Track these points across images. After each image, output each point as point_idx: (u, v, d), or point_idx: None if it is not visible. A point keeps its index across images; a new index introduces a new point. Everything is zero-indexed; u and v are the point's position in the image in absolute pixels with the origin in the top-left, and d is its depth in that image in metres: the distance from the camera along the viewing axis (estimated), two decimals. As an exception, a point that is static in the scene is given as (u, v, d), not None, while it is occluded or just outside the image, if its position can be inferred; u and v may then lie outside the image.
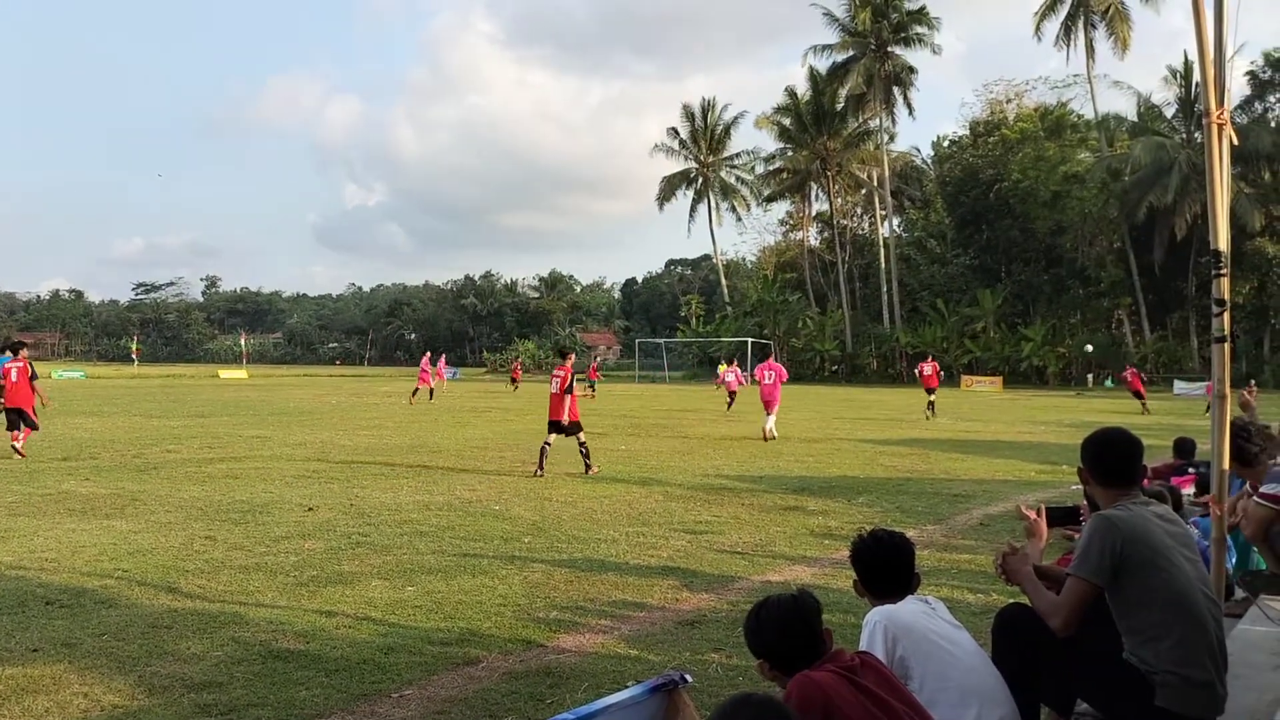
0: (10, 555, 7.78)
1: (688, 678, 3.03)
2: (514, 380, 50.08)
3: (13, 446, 14.99)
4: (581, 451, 13.83)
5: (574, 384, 13.90)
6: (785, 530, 9.32)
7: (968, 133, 72.18)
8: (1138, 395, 32.50)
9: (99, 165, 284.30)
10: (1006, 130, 66.38)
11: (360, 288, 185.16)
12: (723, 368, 41.18)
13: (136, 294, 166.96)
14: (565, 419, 13.66)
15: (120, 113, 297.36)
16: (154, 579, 7.01)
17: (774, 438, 19.44)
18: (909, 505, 11.02)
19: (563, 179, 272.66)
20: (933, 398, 28.17)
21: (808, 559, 7.93)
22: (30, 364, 15.88)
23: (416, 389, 35.26)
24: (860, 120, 71.42)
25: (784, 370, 14.41)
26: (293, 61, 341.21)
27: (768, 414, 19.83)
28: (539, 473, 13.33)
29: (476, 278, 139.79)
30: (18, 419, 15.30)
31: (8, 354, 15.92)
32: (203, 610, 6.18)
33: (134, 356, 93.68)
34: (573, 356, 14.89)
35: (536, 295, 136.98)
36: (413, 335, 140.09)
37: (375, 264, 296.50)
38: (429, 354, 38.66)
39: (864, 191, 76.28)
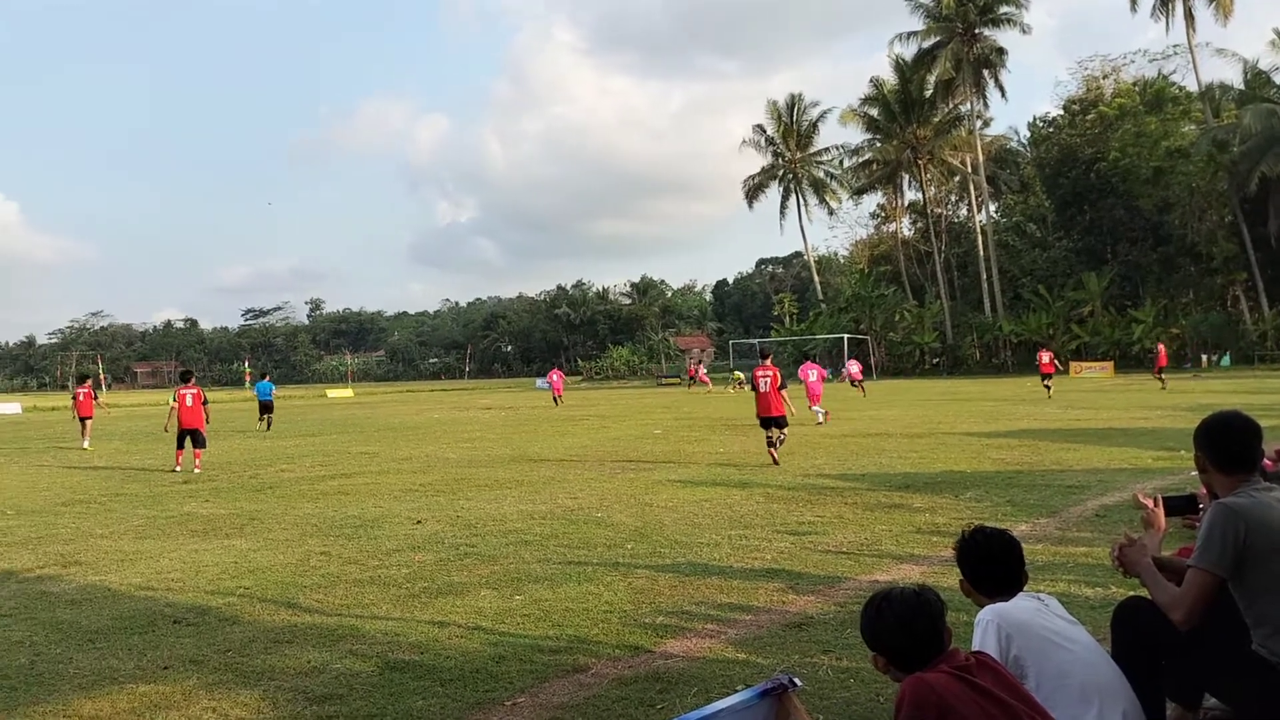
0: (139, 576, 8.16)
1: (797, 681, 3.02)
2: (692, 379, 50.33)
3: (180, 467, 17.15)
4: (780, 440, 15.12)
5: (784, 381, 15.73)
6: (891, 529, 9.18)
7: (1063, 112, 70.05)
8: (1159, 373, 36.53)
9: (203, 197, 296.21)
10: (1104, 107, 64.19)
11: (457, 303, 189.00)
12: (738, 376, 46.75)
13: (246, 320, 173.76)
14: (785, 412, 15.33)
15: (219, 145, 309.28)
16: (273, 595, 7.27)
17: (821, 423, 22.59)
18: (1020, 499, 10.73)
19: (649, 184, 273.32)
20: (1048, 383, 33.02)
21: (915, 557, 7.79)
22: (203, 391, 18.45)
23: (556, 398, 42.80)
24: (950, 106, 69.94)
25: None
26: (381, 86, 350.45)
27: (814, 405, 22.87)
28: (775, 463, 14.59)
29: (568, 287, 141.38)
30: (188, 438, 17.51)
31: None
32: (321, 624, 6.38)
33: (245, 380, 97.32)
34: (771, 356, 17.02)
35: (628, 301, 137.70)
36: (509, 347, 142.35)
37: (469, 279, 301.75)
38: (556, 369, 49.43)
39: (958, 179, 74.63)
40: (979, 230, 69.67)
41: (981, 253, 68.50)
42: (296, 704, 4.88)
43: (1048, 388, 32.89)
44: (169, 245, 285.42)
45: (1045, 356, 34.41)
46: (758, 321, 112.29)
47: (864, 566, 7.57)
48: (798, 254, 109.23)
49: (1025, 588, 3.31)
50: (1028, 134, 77.89)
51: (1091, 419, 22.09)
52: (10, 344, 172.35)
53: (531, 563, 8.09)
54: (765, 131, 79.24)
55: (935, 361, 70.49)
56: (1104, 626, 3.64)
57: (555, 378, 45.66)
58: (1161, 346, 40.00)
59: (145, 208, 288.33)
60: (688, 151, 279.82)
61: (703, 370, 61.69)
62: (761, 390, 15.45)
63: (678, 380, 73.05)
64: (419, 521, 10.51)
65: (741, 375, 52.53)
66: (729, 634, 5.87)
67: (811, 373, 24.08)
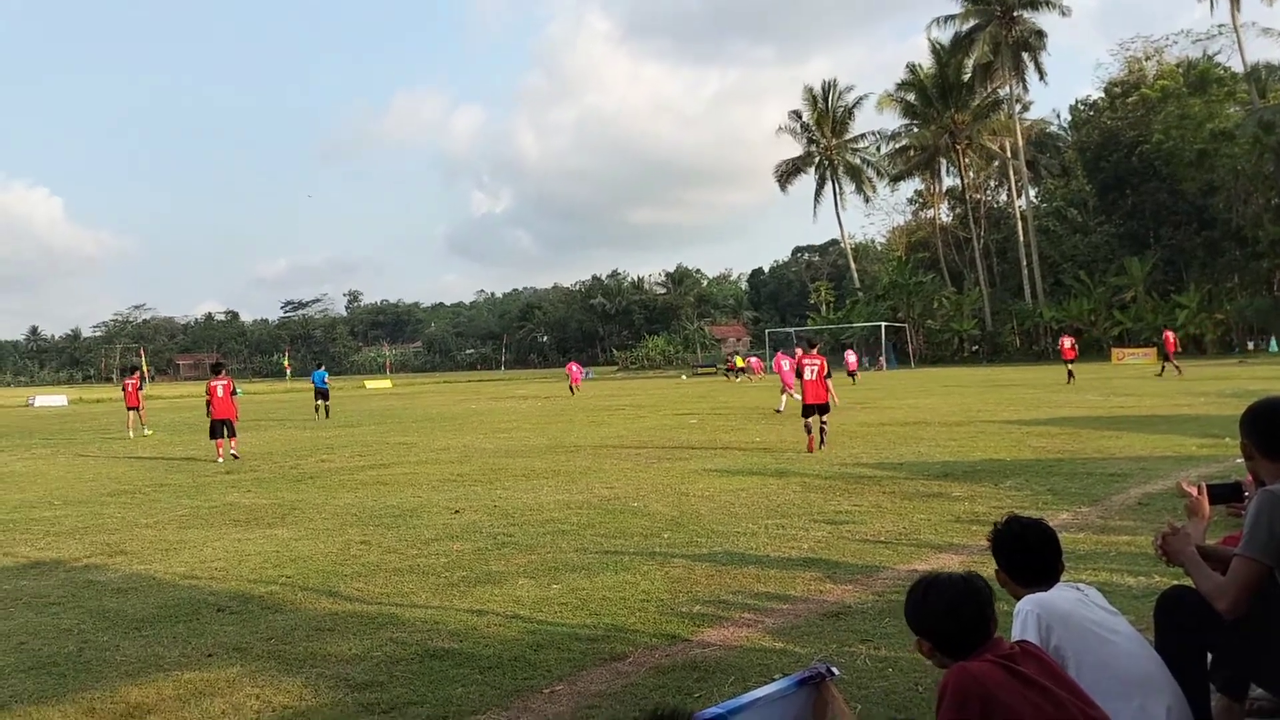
0: (183, 565, 8.30)
1: (835, 670, 3.01)
2: (731, 370, 50.26)
3: (221, 458, 17.58)
4: (823, 426, 15.48)
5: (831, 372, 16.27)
6: (930, 518, 9.12)
7: (1104, 95, 68.92)
8: (1166, 359, 36.15)
9: (242, 191, 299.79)
10: (1147, 89, 63.08)
11: (493, 294, 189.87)
12: (740, 361, 48.17)
13: (285, 312, 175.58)
14: (829, 400, 15.85)
15: (257, 138, 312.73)
16: (315, 584, 7.37)
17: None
18: (1061, 487, 10.61)
19: (684, 172, 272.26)
20: (1070, 368, 33.40)
21: (955, 546, 7.73)
22: (233, 381, 19.00)
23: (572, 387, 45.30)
24: (989, 90, 69.07)
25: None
26: (415, 78, 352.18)
27: (789, 392, 24.05)
28: (821, 447, 15.11)
29: (604, 277, 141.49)
30: (222, 429, 18.03)
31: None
32: (361, 612, 6.46)
33: (285, 371, 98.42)
34: (819, 345, 17.45)
35: (663, 291, 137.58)
36: (545, 338, 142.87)
37: (505, 270, 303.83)
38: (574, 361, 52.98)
39: (997, 163, 73.72)
40: (1019, 215, 68.82)
41: (1021, 238, 67.67)
42: (338, 691, 4.95)
43: (1070, 374, 33.19)
44: (209, 238, 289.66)
45: (1067, 342, 34.99)
46: (794, 310, 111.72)
47: (902, 556, 7.53)
48: (834, 242, 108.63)
49: (1065, 577, 3.27)
50: (1068, 117, 76.86)
51: (1134, 406, 21.78)
52: (56, 337, 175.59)
53: (569, 552, 8.13)
54: (800, 118, 78.75)
55: (974, 349, 69.82)
56: (1147, 616, 3.59)
57: (575, 369, 48.90)
58: (1169, 334, 39.41)
59: (185, 201, 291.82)
60: (722, 139, 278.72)
61: (754, 359, 60.92)
62: (807, 378, 15.73)
63: (714, 370, 72.96)
64: (457, 511, 10.60)
65: (741, 362, 53.48)
66: (766, 623, 5.86)
67: (785, 362, 25.94)
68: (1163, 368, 35.98)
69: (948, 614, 2.68)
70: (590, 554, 8.01)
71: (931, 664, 2.83)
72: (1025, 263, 67.27)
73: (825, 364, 15.96)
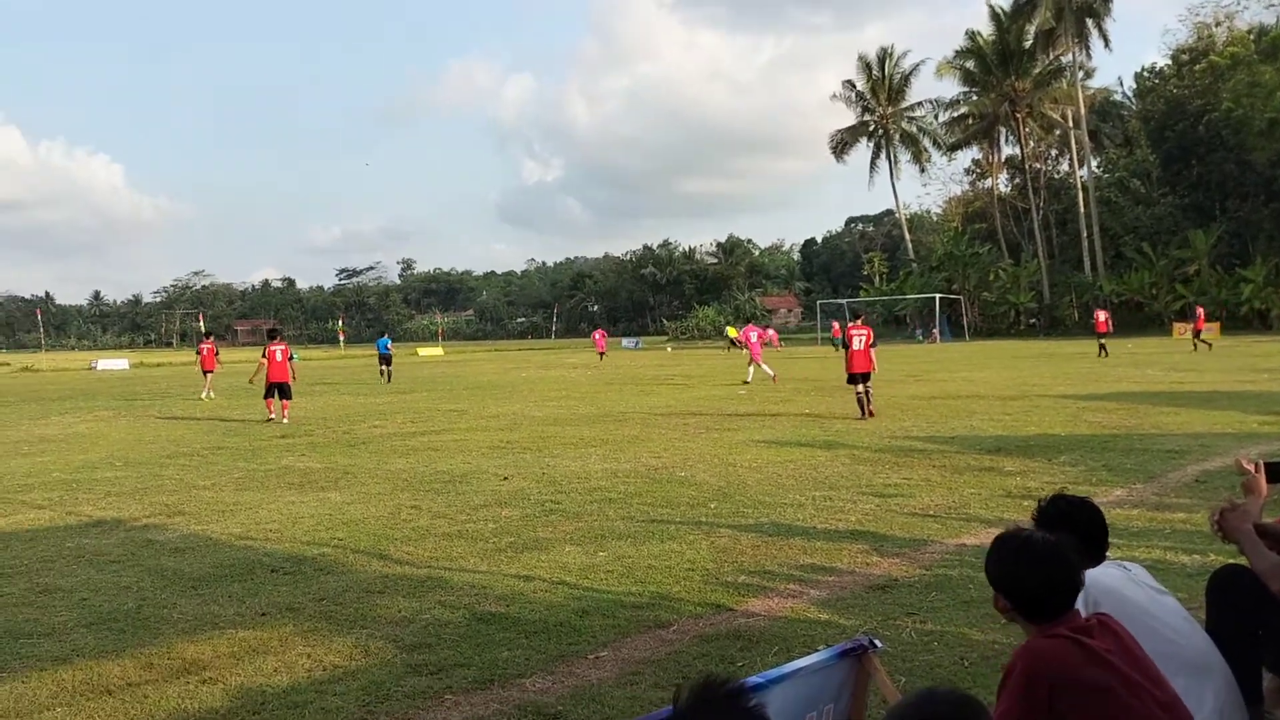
0: (239, 527, 8.49)
1: (878, 643, 3.00)
2: (733, 343, 50.20)
3: (273, 414, 18.71)
4: (869, 395, 16.03)
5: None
6: (980, 492, 9.02)
7: (1170, 62, 66.89)
8: (1196, 334, 36.15)
9: (297, 159, 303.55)
10: (1215, 56, 61.02)
11: (544, 263, 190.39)
12: (732, 332, 48.40)
13: (340, 279, 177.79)
14: (872, 368, 16.41)
15: (311, 107, 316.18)
16: (366, 547, 7.50)
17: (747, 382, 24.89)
18: (1116, 463, 10.43)
19: (736, 141, 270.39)
20: (1102, 342, 33.82)
21: (1005, 522, 7.63)
22: (289, 347, 20.17)
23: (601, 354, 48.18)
24: (1051, 57, 67.32)
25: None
26: (468, 45, 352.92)
27: (757, 363, 25.51)
28: (870, 414, 15.69)
29: (654, 247, 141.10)
30: (276, 390, 19.07)
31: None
32: (411, 575, 6.56)
33: (340, 338, 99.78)
34: (864, 316, 18.55)
35: (714, 261, 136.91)
36: (595, 307, 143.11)
37: (556, 238, 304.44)
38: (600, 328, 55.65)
39: (1058, 133, 71.97)
40: (1079, 186, 67.27)
41: (1082, 210, 66.16)
42: (387, 652, 5.04)
43: (1102, 347, 33.38)
44: (265, 206, 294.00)
45: (1101, 315, 35.41)
46: (846, 281, 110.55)
47: (951, 530, 7.46)
48: (889, 212, 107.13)
49: (1118, 555, 3.21)
50: (1133, 86, 74.76)
51: (1195, 381, 21.29)
52: (118, 302, 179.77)
53: (615, 520, 8.18)
54: (855, 87, 77.54)
55: (1031, 322, 68.61)
56: (1200, 594, 3.52)
57: (598, 335, 52.27)
58: (1200, 309, 39.19)
59: (241, 169, 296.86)
60: (776, 107, 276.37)
61: (767, 331, 59.37)
62: (855, 348, 16.34)
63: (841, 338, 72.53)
64: (506, 478, 10.70)
65: (734, 332, 53.53)
66: (811, 594, 5.86)
67: (753, 334, 26.60)
68: (1101, 350, 33.88)
69: (1038, 577, 2.60)
70: (637, 522, 8.05)
71: (1003, 621, 2.77)
72: (1085, 234, 65.80)
73: (871, 334, 16.68)
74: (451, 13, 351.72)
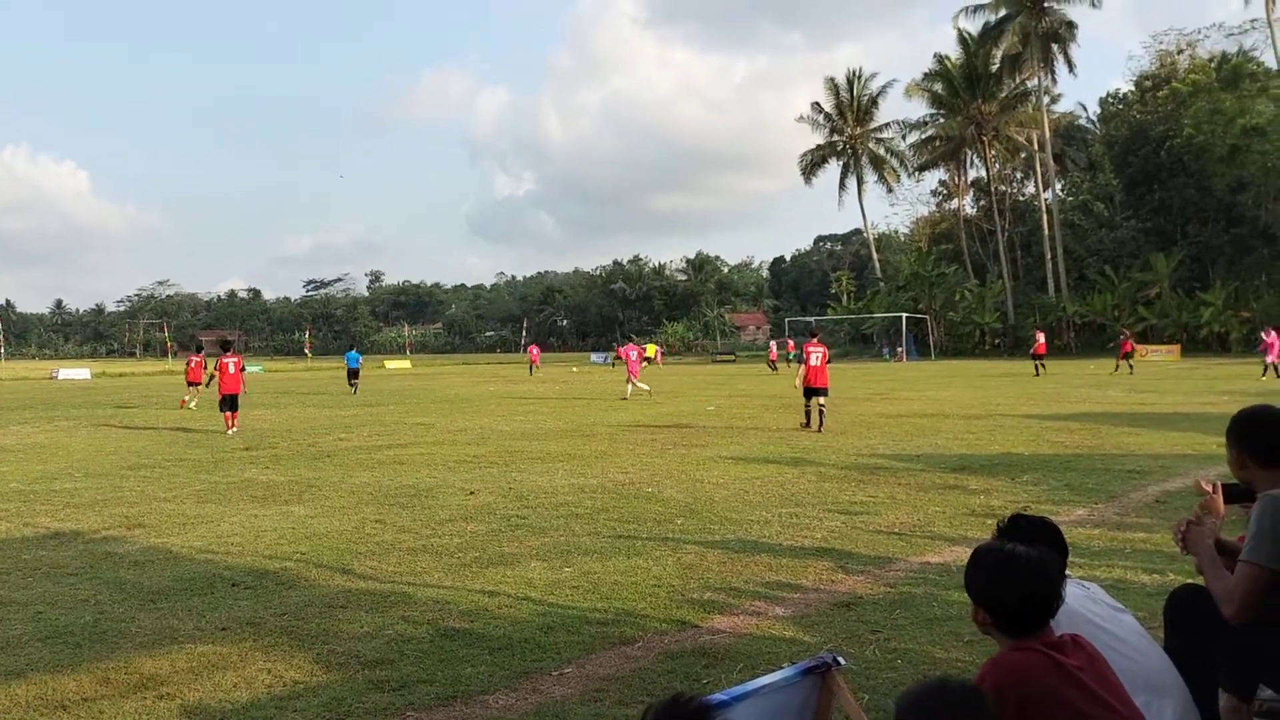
0: (200, 540, 8.37)
1: (841, 660, 3.00)
2: (772, 364, 50.23)
3: (231, 430, 18.59)
4: (823, 412, 16.88)
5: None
6: (945, 510, 9.09)
7: (1134, 88, 68.08)
8: (1125, 356, 38.07)
9: (267, 168, 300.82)
10: (1178, 83, 62.19)
11: (514, 276, 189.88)
12: (651, 349, 52.63)
13: (307, 290, 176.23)
14: (827, 384, 17.31)
15: (281, 115, 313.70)
16: (329, 561, 7.42)
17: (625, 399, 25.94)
18: (1078, 483, 10.55)
19: (708, 158, 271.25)
20: (1041, 363, 36.99)
21: (969, 540, 7.69)
22: (242, 359, 20.48)
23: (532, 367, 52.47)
24: (1017, 81, 68.31)
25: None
26: (443, 56, 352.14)
27: (634, 380, 26.91)
28: (809, 427, 16.84)
29: (624, 262, 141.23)
30: (229, 404, 19.10)
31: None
32: (374, 590, 6.50)
33: (306, 350, 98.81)
34: (820, 334, 19.53)
35: (684, 278, 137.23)
36: (565, 322, 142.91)
37: (526, 252, 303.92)
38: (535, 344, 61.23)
39: (1023, 156, 72.98)
40: (1044, 209, 68.18)
41: (1046, 232, 67.05)
42: (349, 667, 4.98)
43: (1038, 369, 36.39)
44: (233, 215, 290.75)
45: (1041, 336, 39.43)
46: (815, 299, 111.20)
47: (916, 548, 7.51)
48: (857, 231, 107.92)
49: (1078, 574, 3.24)
50: (1097, 110, 75.96)
51: (1156, 403, 21.61)
52: (81, 311, 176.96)
53: (581, 536, 8.15)
54: (823, 109, 78.22)
55: (996, 342, 69.30)
56: (1159, 614, 3.57)
57: (535, 351, 57.25)
58: (1040, 333, 41.65)
59: (209, 177, 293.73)
60: (748, 125, 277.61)
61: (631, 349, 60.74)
62: (812, 364, 17.25)
63: (732, 358, 72.88)
64: (472, 492, 10.64)
65: (652, 350, 56.47)
66: (776, 612, 5.87)
67: (633, 352, 28.36)
68: (1037, 369, 36.96)
69: (1019, 591, 2.60)
70: (603, 538, 8.03)
71: (967, 638, 2.78)
72: (1049, 256, 66.67)
73: (827, 351, 17.86)
74: (427, 23, 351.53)
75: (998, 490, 10.16)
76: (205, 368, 27.94)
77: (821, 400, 17.01)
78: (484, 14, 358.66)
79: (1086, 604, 3.01)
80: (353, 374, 35.83)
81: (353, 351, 39.20)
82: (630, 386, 27.17)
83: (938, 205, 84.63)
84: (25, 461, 14.54)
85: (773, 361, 50.05)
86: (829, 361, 17.52)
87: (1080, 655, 2.55)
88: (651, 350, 68.36)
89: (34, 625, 5.84)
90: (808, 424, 17.12)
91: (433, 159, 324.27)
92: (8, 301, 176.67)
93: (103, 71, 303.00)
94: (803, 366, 17.69)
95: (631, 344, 29.01)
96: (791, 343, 56.80)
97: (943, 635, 5.28)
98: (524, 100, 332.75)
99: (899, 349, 65.27)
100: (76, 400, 32.54)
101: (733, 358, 73.05)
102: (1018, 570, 2.59)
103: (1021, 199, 77.10)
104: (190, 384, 28.31)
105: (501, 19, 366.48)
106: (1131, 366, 37.53)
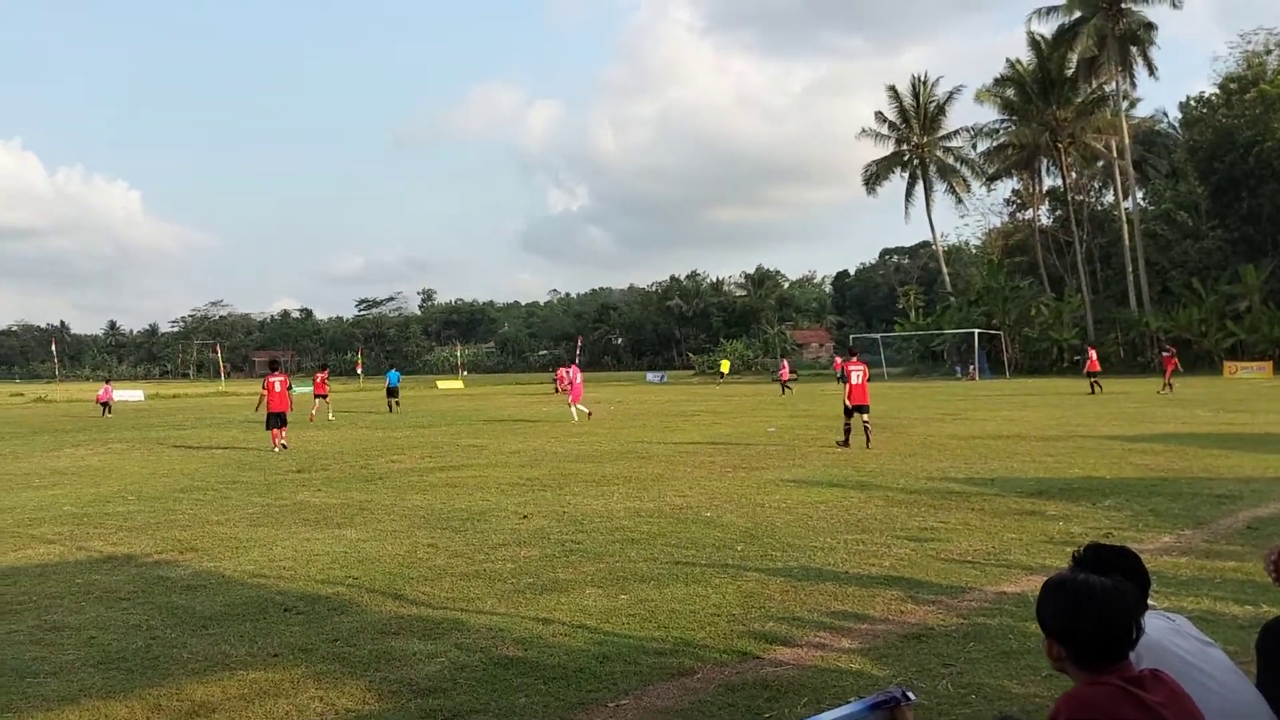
0: (252, 564, 8.53)
1: (911, 695, 2.96)
2: (784, 385, 49.94)
3: (276, 447, 19.89)
4: (867, 426, 17.67)
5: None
6: (1021, 537, 8.92)
7: (1219, 91, 66.63)
8: (1091, 376, 37.11)
9: (318, 187, 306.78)
10: (1266, 85, 60.75)
11: (568, 294, 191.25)
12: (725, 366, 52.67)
13: (359, 310, 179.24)
14: (868, 401, 18.06)
15: (333, 133, 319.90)
16: (381, 586, 7.51)
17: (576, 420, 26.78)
18: (1163, 508, 10.29)
19: (768, 169, 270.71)
20: (1094, 380, 36.61)
21: (1047, 569, 7.54)
22: (289, 378, 21.74)
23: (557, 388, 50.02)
24: (1094, 86, 67.23)
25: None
26: (494, 71, 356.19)
27: (575, 403, 27.46)
28: (847, 446, 17.47)
29: (681, 278, 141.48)
30: (278, 422, 20.35)
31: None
32: (427, 617, 6.56)
33: (358, 370, 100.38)
34: (859, 352, 20.20)
35: (743, 294, 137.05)
36: (620, 340, 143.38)
37: (580, 269, 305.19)
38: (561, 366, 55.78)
39: (1101, 164, 71.78)
40: (1124, 219, 66.90)
41: (1127, 243, 65.76)
42: (401, 696, 5.03)
43: (1094, 387, 36.05)
44: (285, 234, 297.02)
45: (1093, 353, 38.82)
46: (880, 315, 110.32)
47: (990, 577, 7.38)
48: (925, 243, 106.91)
49: (1164, 604, 3.16)
50: (1179, 115, 74.45)
51: (1247, 423, 21.02)
52: (135, 332, 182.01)
53: (638, 561, 8.15)
54: (887, 119, 77.69)
55: (1075, 359, 67.97)
56: (1251, 648, 3.45)
57: (562, 373, 57.08)
58: (1092, 350, 40.80)
59: (262, 197, 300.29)
60: (809, 134, 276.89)
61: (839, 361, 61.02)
62: (854, 382, 18.00)
63: (794, 377, 72.46)
64: (525, 516, 10.69)
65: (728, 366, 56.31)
66: (843, 643, 5.80)
67: (578, 376, 29.22)
68: (1091, 387, 36.74)
69: (1099, 625, 2.53)
70: (660, 564, 8.01)
71: (1045, 673, 2.72)
72: (1130, 269, 65.35)
73: (867, 369, 18.55)
74: (476, 36, 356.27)
75: (1078, 516, 9.96)
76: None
77: (865, 417, 17.76)
78: (536, 27, 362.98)
79: (1171, 637, 2.92)
80: (392, 392, 37.39)
81: (393, 371, 40.71)
82: (575, 410, 27.79)
83: (1011, 216, 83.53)
84: (79, 484, 14.95)
85: (784, 381, 49.37)
86: (869, 379, 18.41)
87: (1162, 691, 2.48)
88: (725, 366, 71.55)
89: (87, 650, 5.99)
90: (846, 443, 17.68)
91: (485, 175, 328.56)
92: (62, 323, 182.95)
93: (154, 92, 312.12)
94: (846, 385, 18.28)
95: (575, 366, 29.93)
96: (839, 361, 56.53)
97: (1019, 669, 5.18)
98: (577, 113, 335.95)
99: (971, 367, 64.35)
100: (130, 422, 33.39)
101: (795, 376, 72.59)
102: (1094, 601, 2.52)
103: (1100, 208, 75.79)
104: (317, 396, 32.59)
105: (553, 32, 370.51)
106: (1170, 385, 36.17)
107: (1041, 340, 68.07)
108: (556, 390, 55.83)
